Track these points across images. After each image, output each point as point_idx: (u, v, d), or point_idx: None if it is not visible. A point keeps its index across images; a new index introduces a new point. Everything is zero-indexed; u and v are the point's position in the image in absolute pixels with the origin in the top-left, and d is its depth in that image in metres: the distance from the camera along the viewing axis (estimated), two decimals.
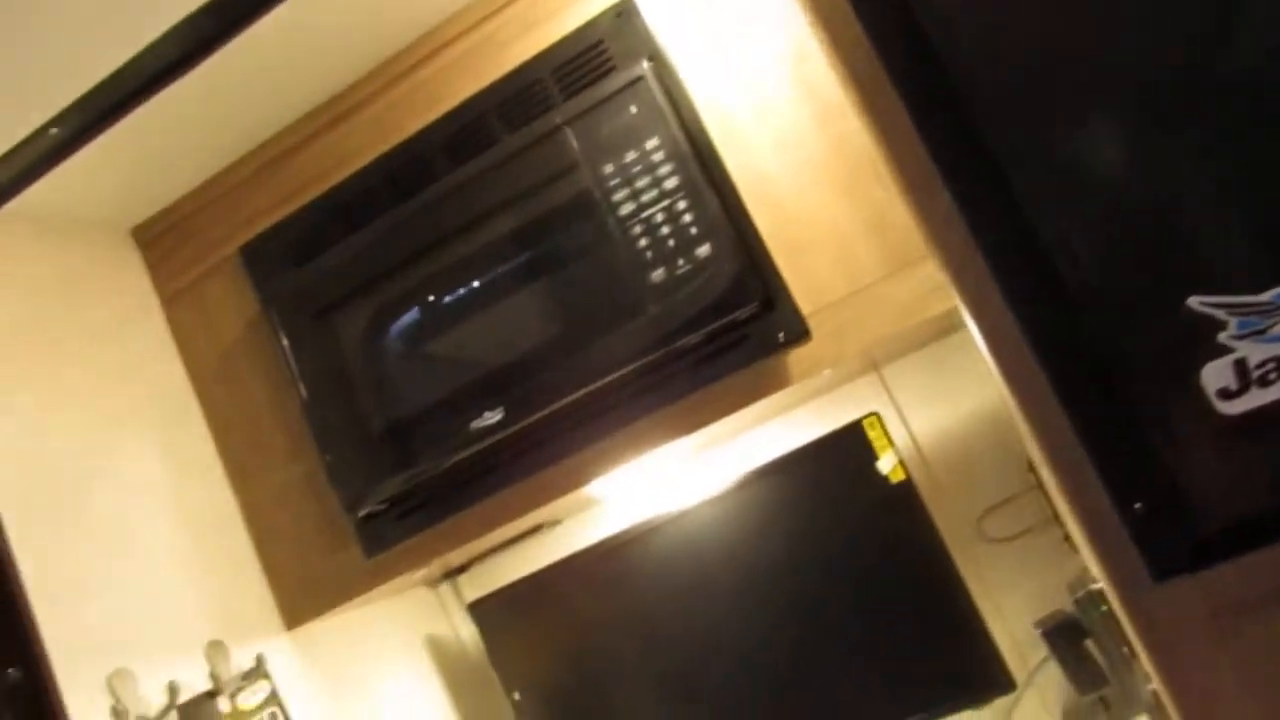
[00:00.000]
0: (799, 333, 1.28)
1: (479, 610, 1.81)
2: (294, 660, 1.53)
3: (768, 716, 1.63)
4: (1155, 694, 1.12)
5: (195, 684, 1.34)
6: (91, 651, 1.24)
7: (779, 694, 1.62)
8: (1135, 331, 0.83)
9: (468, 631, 1.97)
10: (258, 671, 1.43)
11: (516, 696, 1.78)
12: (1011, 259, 0.86)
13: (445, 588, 2.01)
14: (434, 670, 1.85)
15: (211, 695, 1.34)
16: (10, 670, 0.97)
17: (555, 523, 1.90)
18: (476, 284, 1.42)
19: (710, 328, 1.27)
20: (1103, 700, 1.45)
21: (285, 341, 1.52)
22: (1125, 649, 1.20)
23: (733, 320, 1.27)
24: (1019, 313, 0.86)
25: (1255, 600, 0.78)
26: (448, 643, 1.93)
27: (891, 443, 1.55)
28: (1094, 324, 0.84)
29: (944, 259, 0.88)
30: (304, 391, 1.50)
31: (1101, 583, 1.05)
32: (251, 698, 1.40)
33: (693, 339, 1.28)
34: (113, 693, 1.23)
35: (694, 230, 1.28)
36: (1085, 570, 1.46)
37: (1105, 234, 0.85)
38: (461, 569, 1.95)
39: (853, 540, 1.57)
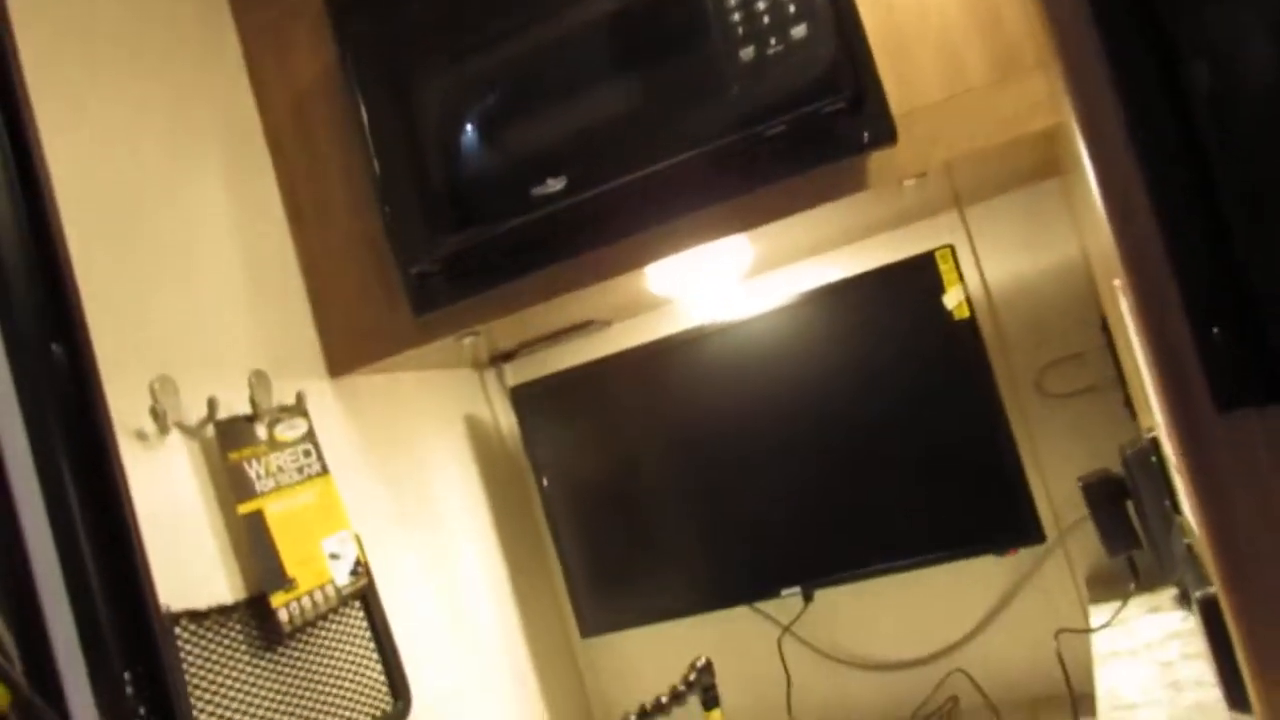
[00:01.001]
0: (885, 135, 1.21)
1: (520, 394, 1.83)
2: (333, 406, 1.55)
3: (792, 535, 1.63)
4: (1190, 549, 1.09)
5: (235, 407, 1.36)
6: (138, 356, 1.27)
7: (806, 514, 1.62)
8: (1249, 157, 0.77)
9: (506, 418, 1.99)
10: (297, 408, 1.45)
11: (545, 482, 1.81)
12: (1134, 62, 0.79)
13: (490, 373, 2.02)
14: (468, 446, 1.87)
15: (250, 420, 1.37)
16: (54, 345, 0.97)
17: (605, 324, 1.89)
18: (559, 49, 1.36)
19: (793, 114, 1.20)
20: (1131, 565, 1.43)
21: (359, 93, 1.48)
22: (1168, 503, 1.15)
23: (817, 110, 1.20)
24: (1130, 118, 0.79)
25: None
26: (485, 424, 1.96)
27: (961, 278, 1.49)
28: (1208, 143, 0.78)
29: (1060, 52, 0.82)
30: (372, 144, 1.47)
31: (1160, 418, 1.00)
32: (288, 431, 1.42)
33: (773, 126, 1.22)
34: (154, 395, 1.26)
35: (791, 8, 1.19)
36: (1140, 435, 1.41)
37: (1238, 52, 0.77)
38: (508, 356, 1.96)
39: (906, 370, 1.53)
